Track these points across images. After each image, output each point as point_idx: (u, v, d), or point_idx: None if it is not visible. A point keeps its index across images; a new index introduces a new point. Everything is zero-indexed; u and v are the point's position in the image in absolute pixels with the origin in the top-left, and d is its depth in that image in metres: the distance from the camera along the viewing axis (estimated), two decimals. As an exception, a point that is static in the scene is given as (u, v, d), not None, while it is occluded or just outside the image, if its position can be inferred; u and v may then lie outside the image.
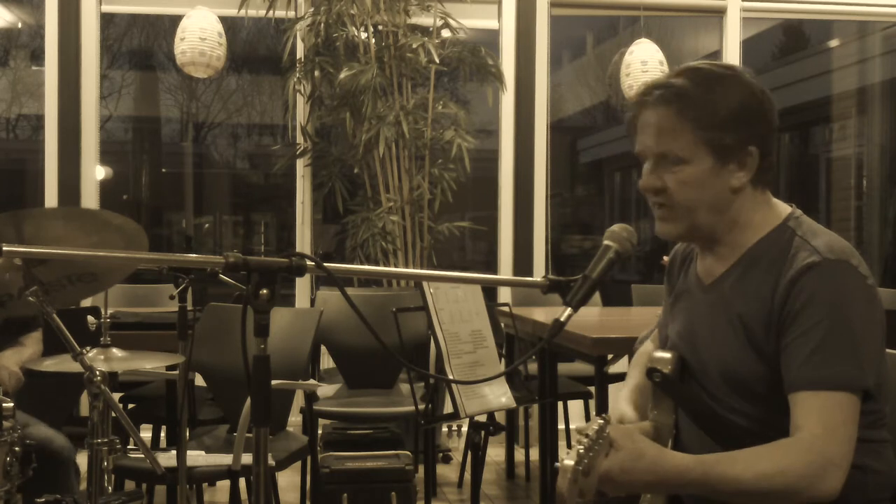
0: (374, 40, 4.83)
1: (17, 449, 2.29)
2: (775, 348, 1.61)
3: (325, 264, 1.51)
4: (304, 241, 5.23)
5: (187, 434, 2.58)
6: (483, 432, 2.40)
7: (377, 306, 3.51)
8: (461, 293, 2.44)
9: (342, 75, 4.66)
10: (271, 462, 2.78)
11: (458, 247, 7.74)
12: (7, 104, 8.14)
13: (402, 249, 4.85)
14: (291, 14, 5.00)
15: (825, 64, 8.57)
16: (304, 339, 3.23)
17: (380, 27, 4.87)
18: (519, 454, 4.75)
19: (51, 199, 5.01)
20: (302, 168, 5.18)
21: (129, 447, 2.44)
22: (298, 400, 3.76)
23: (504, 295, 4.98)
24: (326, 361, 4.40)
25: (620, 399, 1.91)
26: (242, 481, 3.21)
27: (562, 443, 4.31)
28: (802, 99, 9.07)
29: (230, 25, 5.09)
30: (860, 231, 7.82)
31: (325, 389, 3.97)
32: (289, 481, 4.15)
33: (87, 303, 3.46)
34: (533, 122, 5.31)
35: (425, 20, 4.98)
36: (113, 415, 2.29)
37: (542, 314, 3.81)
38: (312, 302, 4.52)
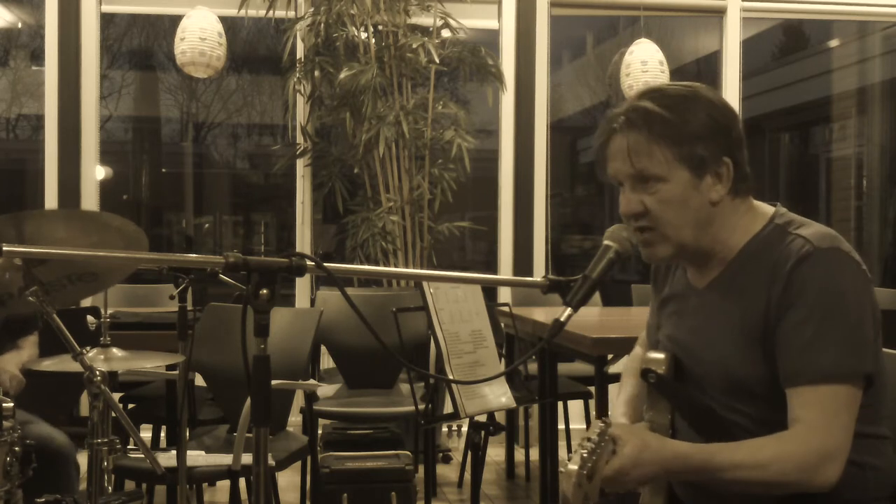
0: (374, 40, 4.83)
1: (17, 449, 2.29)
2: (773, 344, 1.62)
3: (325, 264, 1.51)
4: (304, 241, 5.23)
5: (187, 434, 2.58)
6: (483, 432, 2.40)
7: (377, 306, 3.51)
8: (461, 293, 2.44)
9: (342, 75, 4.66)
10: (271, 462, 2.78)
11: (458, 247, 7.74)
12: (7, 104, 8.14)
13: (402, 249, 4.85)
14: (291, 14, 5.00)
15: (825, 64, 8.57)
16: (304, 339, 3.23)
17: (380, 27, 4.87)
18: (519, 454, 4.75)
19: (51, 199, 5.01)
20: (302, 168, 5.19)
21: (129, 447, 2.44)
22: (298, 400, 3.76)
23: (504, 295, 4.98)
24: (326, 361, 4.40)
25: (616, 413, 1.91)
26: (242, 481, 3.21)
27: (562, 443, 4.31)
28: (802, 99, 9.07)
29: (230, 25, 5.09)
30: (860, 231, 7.82)
31: (325, 389, 3.97)
32: (289, 481, 4.15)
33: (87, 303, 3.46)
34: (533, 122, 5.31)
35: (425, 20, 4.98)
36: (113, 415, 2.29)
37: (542, 314, 3.81)
38: (312, 302, 4.52)
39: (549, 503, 3.76)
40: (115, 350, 2.45)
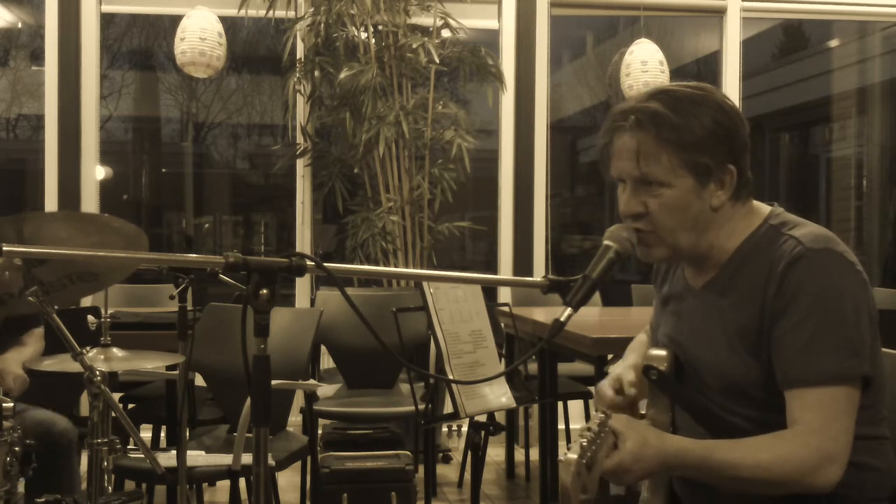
0: (374, 40, 4.83)
1: (17, 449, 2.28)
2: (769, 346, 1.61)
3: (325, 264, 1.51)
4: (304, 241, 5.23)
5: (187, 434, 2.58)
6: (483, 432, 2.40)
7: (377, 306, 3.51)
8: (461, 293, 2.44)
9: (342, 75, 4.66)
10: (271, 462, 2.78)
11: (458, 247, 7.74)
12: (7, 104, 8.14)
13: (402, 249, 4.85)
14: (291, 14, 5.00)
15: (825, 64, 8.57)
16: (304, 339, 3.23)
17: (380, 27, 4.87)
18: (519, 454, 4.75)
19: (51, 199, 5.01)
20: (302, 168, 5.19)
21: (129, 447, 2.44)
22: (298, 400, 3.76)
23: (504, 295, 4.98)
24: (326, 361, 4.40)
25: (617, 367, 1.90)
26: (242, 481, 3.21)
27: (562, 443, 4.30)
28: (802, 99, 9.07)
29: (230, 25, 5.09)
30: (860, 231, 7.82)
31: (325, 389, 3.97)
32: (289, 481, 4.15)
33: (87, 302, 3.47)
34: (533, 122, 5.31)
35: (425, 20, 4.98)
36: (113, 415, 2.29)
37: (542, 314, 3.81)
38: (312, 302, 4.52)
39: (549, 503, 3.76)
40: (115, 350, 2.45)
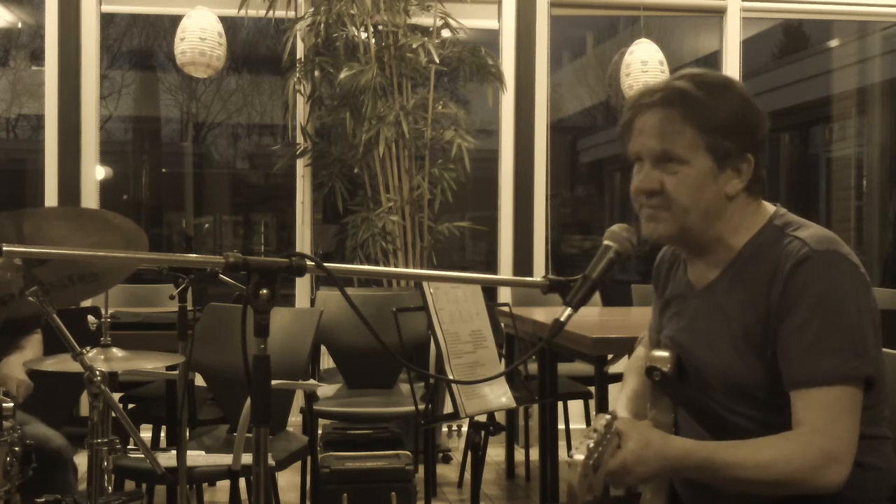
0: (374, 40, 4.83)
1: (17, 449, 2.28)
2: (773, 347, 1.61)
3: (325, 264, 1.51)
4: (304, 241, 5.23)
5: (187, 434, 2.58)
6: (483, 432, 2.40)
7: (377, 306, 3.51)
8: (461, 293, 2.44)
9: (342, 75, 4.66)
10: (271, 462, 2.78)
11: (458, 247, 7.74)
12: (7, 104, 8.14)
13: (402, 249, 4.85)
14: (291, 14, 5.00)
15: (825, 64, 8.58)
16: (304, 339, 3.23)
17: (380, 27, 4.87)
18: (519, 454, 4.75)
19: (51, 199, 5.01)
20: (302, 168, 5.19)
21: (129, 447, 2.44)
22: (298, 400, 3.76)
23: (504, 295, 4.98)
24: (326, 361, 4.40)
25: (617, 408, 1.91)
26: (242, 481, 3.21)
27: (562, 443, 4.30)
28: (802, 99, 9.07)
29: (230, 25, 5.09)
30: (860, 231, 7.82)
31: (325, 389, 3.97)
32: (289, 481, 4.15)
33: (87, 303, 3.46)
34: (533, 122, 5.31)
35: (425, 20, 4.98)
36: (113, 415, 2.29)
37: (542, 314, 3.81)
38: (312, 302, 4.52)
39: (549, 503, 3.76)
40: (115, 350, 2.45)
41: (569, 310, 1.57)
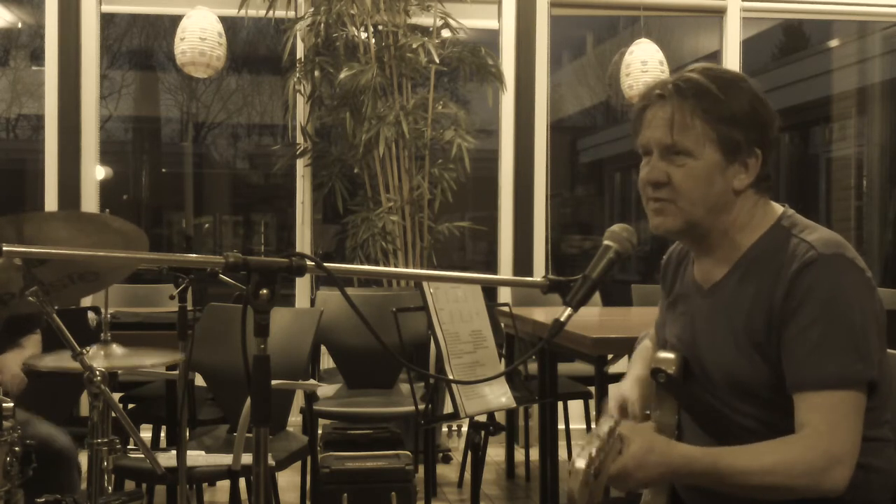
0: (374, 40, 4.83)
1: (17, 449, 2.28)
2: (777, 348, 1.61)
3: (325, 264, 1.51)
4: (304, 241, 5.23)
5: (187, 434, 2.58)
6: (483, 432, 2.40)
7: (377, 306, 3.51)
8: (461, 293, 2.44)
9: (342, 75, 4.66)
10: (271, 462, 2.78)
11: (458, 247, 7.74)
12: (7, 104, 8.15)
13: (402, 249, 4.85)
14: (291, 14, 5.00)
15: (825, 64, 8.58)
16: (304, 339, 3.23)
17: (380, 27, 4.87)
18: (519, 454, 4.75)
19: (51, 199, 5.01)
20: (302, 168, 5.19)
21: (129, 447, 2.44)
22: (298, 400, 3.76)
23: (504, 295, 4.98)
24: (326, 361, 4.40)
25: (623, 385, 1.90)
26: (242, 481, 3.21)
27: (562, 443, 4.30)
28: (802, 99, 9.07)
29: (230, 25, 5.08)
30: (860, 231, 7.82)
31: (325, 389, 3.97)
32: (289, 481, 4.15)
33: (87, 303, 3.47)
34: (533, 122, 5.31)
35: (425, 20, 4.98)
36: (113, 415, 2.29)
37: (542, 314, 3.81)
38: (312, 302, 4.52)
39: (549, 503, 3.76)
40: (115, 347, 2.45)
41: (569, 310, 1.57)
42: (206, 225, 9.09)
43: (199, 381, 3.43)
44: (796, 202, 9.31)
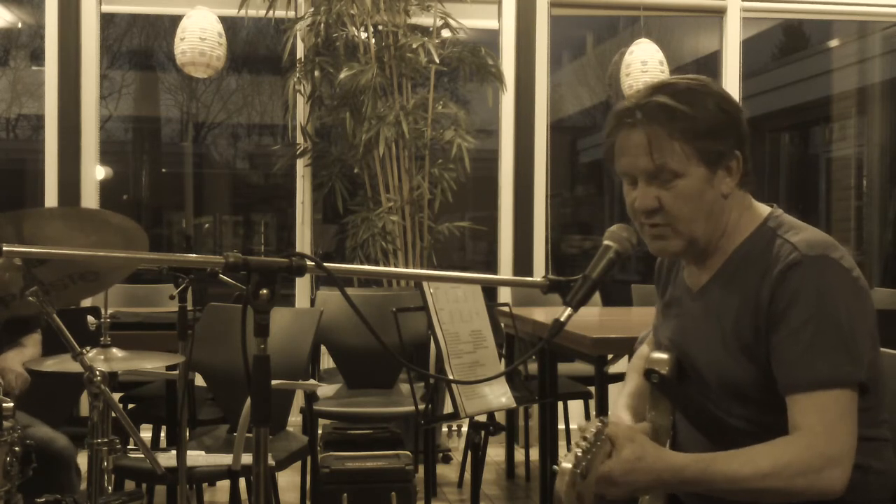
0: (374, 40, 4.83)
1: (17, 449, 2.28)
2: (766, 350, 1.61)
3: (325, 264, 1.51)
4: (304, 241, 5.23)
5: (187, 434, 2.58)
6: (483, 432, 2.40)
7: (377, 306, 3.51)
8: (461, 293, 2.44)
9: (342, 75, 4.66)
10: (271, 462, 2.78)
11: (458, 247, 7.74)
12: (7, 104, 8.14)
13: (402, 249, 4.85)
14: (291, 14, 5.00)
15: (825, 64, 8.57)
16: (304, 339, 3.23)
17: (380, 27, 4.87)
18: (519, 454, 4.75)
19: (51, 199, 5.01)
20: (302, 168, 5.19)
21: (129, 447, 2.44)
22: (298, 400, 3.76)
23: (504, 295, 4.98)
24: (326, 361, 4.40)
25: (618, 405, 1.91)
26: (242, 481, 3.21)
27: (562, 443, 4.31)
28: (802, 99, 9.07)
29: (230, 25, 5.08)
30: (860, 231, 7.82)
31: (325, 389, 3.97)
32: (289, 481, 4.15)
33: (87, 303, 3.46)
34: (533, 122, 5.31)
35: (425, 20, 4.98)
36: (113, 415, 2.29)
37: (542, 314, 3.81)
38: (312, 302, 4.52)
39: (549, 503, 3.76)
40: (115, 350, 2.45)
41: (569, 310, 1.57)
42: (206, 225, 9.09)
43: (199, 381, 3.44)
44: (796, 202, 9.32)
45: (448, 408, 2.28)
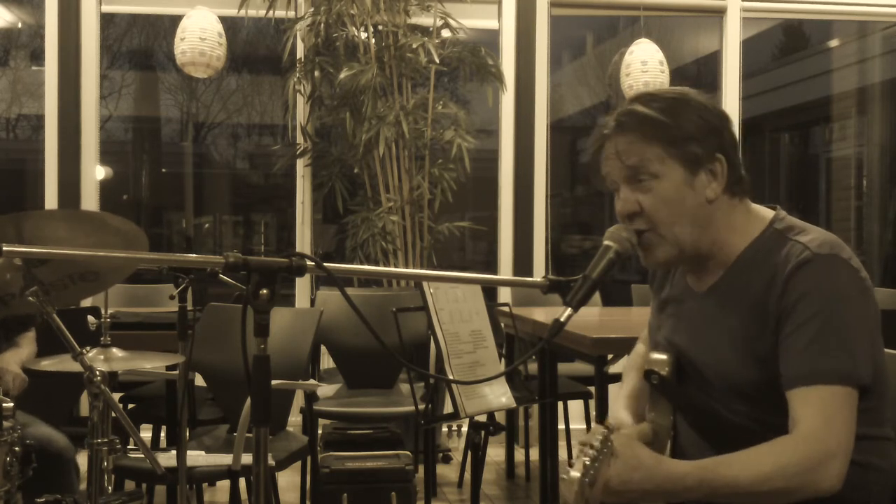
0: (374, 40, 4.83)
1: (17, 449, 2.29)
2: (774, 348, 1.61)
3: (325, 264, 1.51)
4: (304, 241, 5.23)
5: (187, 434, 2.58)
6: (483, 432, 2.40)
7: (377, 306, 3.51)
8: (461, 293, 2.44)
9: (342, 75, 4.66)
10: (271, 462, 2.78)
11: (458, 247, 7.74)
12: (7, 104, 8.14)
13: (402, 249, 4.85)
14: (291, 14, 5.00)
15: (825, 64, 8.57)
16: (304, 339, 3.23)
17: (380, 27, 4.87)
18: (519, 454, 4.75)
19: (51, 199, 5.01)
20: (302, 168, 5.19)
21: (129, 447, 2.44)
22: (298, 400, 3.76)
23: (504, 295, 4.98)
24: (326, 361, 4.40)
25: (617, 406, 1.90)
26: (242, 481, 3.21)
27: (562, 443, 4.30)
28: (802, 99, 9.08)
29: (230, 25, 5.08)
30: (860, 231, 7.82)
31: (325, 389, 3.97)
32: (289, 481, 4.15)
33: (87, 303, 3.46)
34: (533, 122, 5.31)
35: (425, 20, 4.98)
36: (113, 415, 2.29)
37: (542, 314, 3.81)
38: (312, 302, 4.52)
39: (549, 503, 3.76)
40: (115, 350, 2.45)
41: (569, 310, 1.57)
42: (206, 225, 9.09)
43: (199, 381, 3.44)
44: (796, 202, 9.32)
45: (448, 408, 2.28)
